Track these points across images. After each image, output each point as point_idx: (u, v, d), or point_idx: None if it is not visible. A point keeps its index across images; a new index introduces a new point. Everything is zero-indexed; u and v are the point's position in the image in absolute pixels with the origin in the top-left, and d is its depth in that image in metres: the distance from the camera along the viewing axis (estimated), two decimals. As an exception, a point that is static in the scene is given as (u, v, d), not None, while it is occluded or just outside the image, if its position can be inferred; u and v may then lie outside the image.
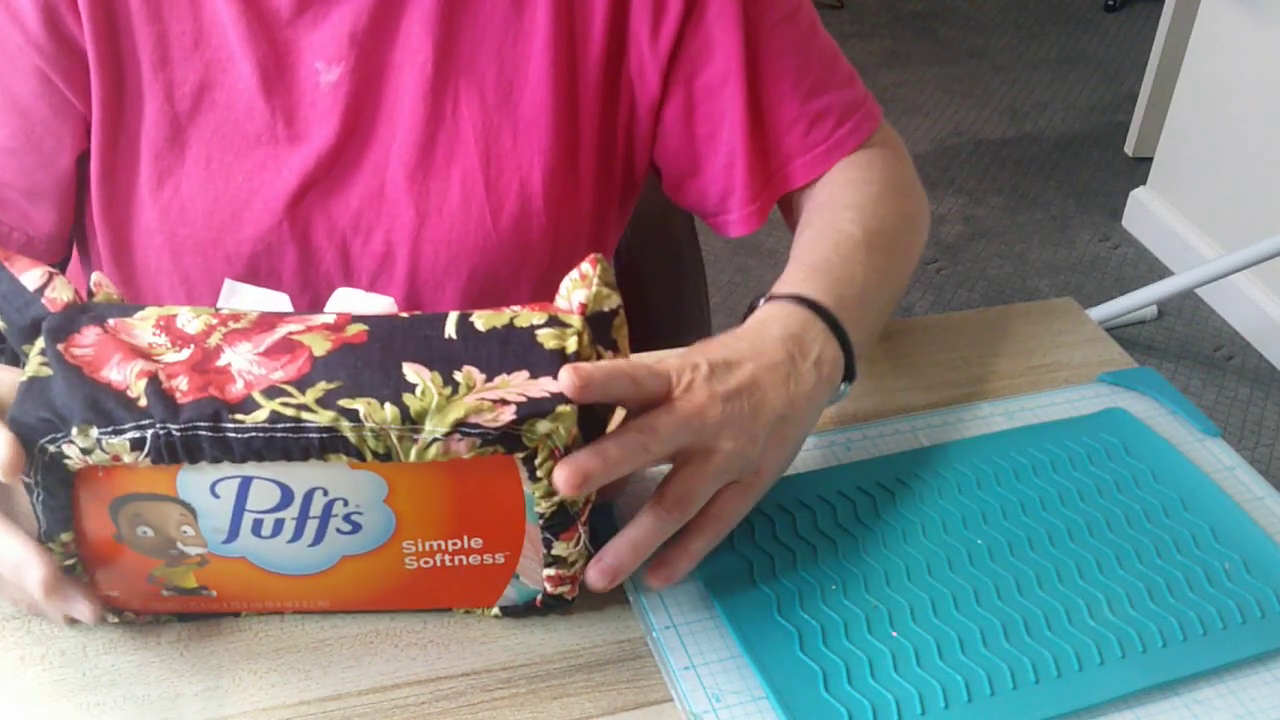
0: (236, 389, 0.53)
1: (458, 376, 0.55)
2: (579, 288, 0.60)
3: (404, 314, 0.58)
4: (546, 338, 0.57)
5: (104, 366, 0.54)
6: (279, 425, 0.52)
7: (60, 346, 0.55)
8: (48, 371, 0.54)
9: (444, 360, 0.55)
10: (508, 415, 0.53)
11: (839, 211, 0.78)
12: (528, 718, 0.58)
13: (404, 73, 0.78)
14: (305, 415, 0.52)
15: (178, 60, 0.76)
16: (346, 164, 0.79)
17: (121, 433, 0.52)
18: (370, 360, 0.55)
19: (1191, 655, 0.62)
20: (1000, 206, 2.62)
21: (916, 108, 3.00)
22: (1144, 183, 2.57)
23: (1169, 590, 0.65)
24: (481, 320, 0.57)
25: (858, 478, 0.71)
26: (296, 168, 0.78)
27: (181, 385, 0.53)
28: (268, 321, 0.57)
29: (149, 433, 0.52)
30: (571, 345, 0.57)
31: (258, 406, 0.53)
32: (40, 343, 0.56)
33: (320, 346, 0.55)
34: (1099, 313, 2.19)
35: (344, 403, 0.53)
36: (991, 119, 2.97)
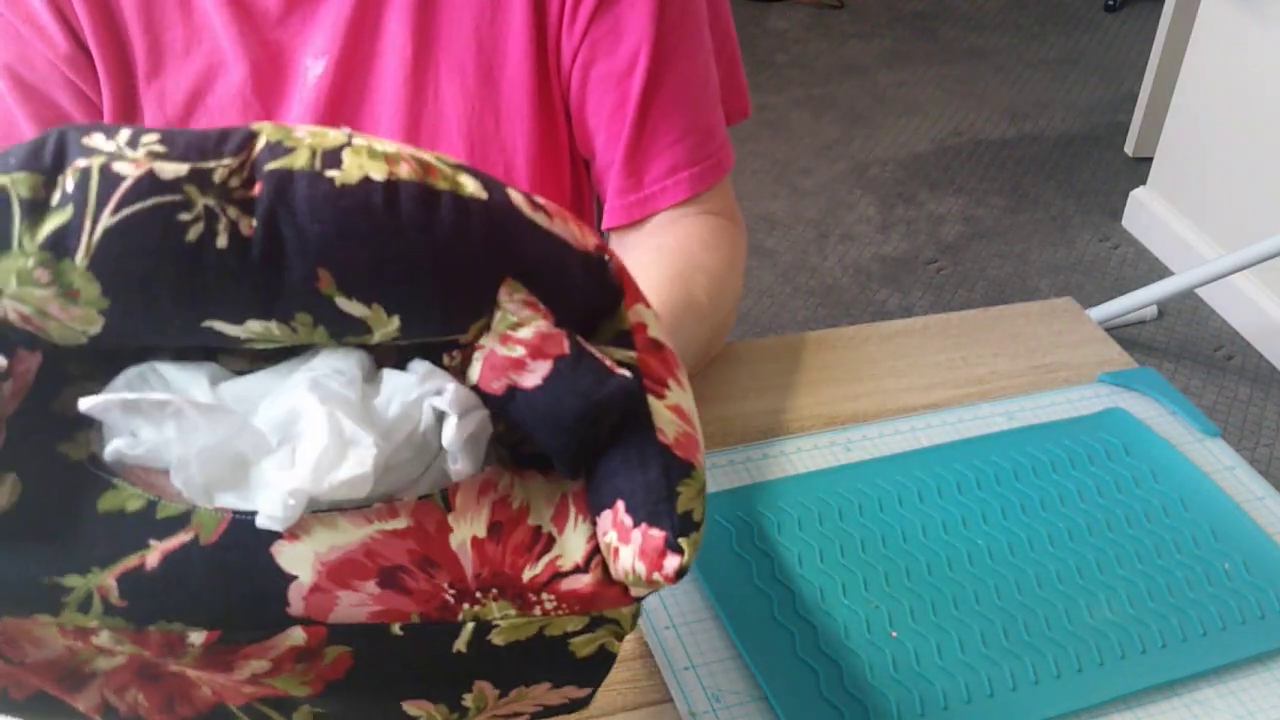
0: (205, 695, 0.44)
1: (467, 700, 0.46)
2: (636, 576, 0.43)
3: (399, 626, 0.42)
4: (582, 645, 0.45)
5: (25, 691, 0.44)
6: None
7: None
8: None
9: (449, 684, 0.45)
10: None
11: (693, 275, 0.75)
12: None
13: (386, 60, 0.78)
14: None
15: (169, 68, 0.77)
16: None
17: None
18: (362, 695, 0.45)
19: (1191, 655, 0.62)
20: (1000, 206, 2.62)
21: (916, 108, 3.00)
22: (1144, 183, 2.57)
23: (1169, 590, 0.65)
24: (501, 636, 0.43)
25: (857, 478, 0.71)
26: None
27: (140, 701, 0.44)
28: (221, 659, 0.42)
29: None
30: (614, 646, 0.45)
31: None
32: None
33: (299, 690, 0.44)
34: (1099, 313, 2.19)
35: None
36: (991, 119, 2.97)
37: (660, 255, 0.77)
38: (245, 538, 0.41)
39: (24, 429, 0.42)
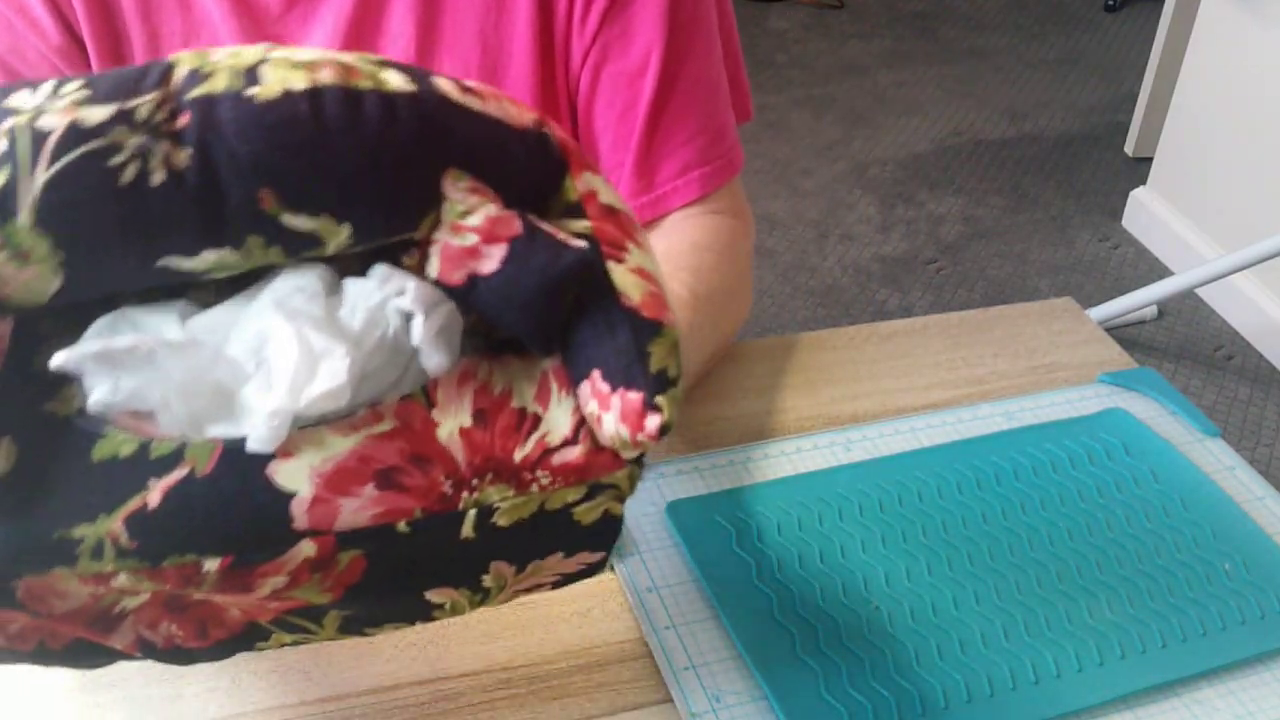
0: (234, 616, 0.46)
1: (486, 581, 0.47)
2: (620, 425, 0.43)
3: (405, 523, 0.43)
4: (585, 513, 0.46)
5: (59, 639, 0.45)
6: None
7: None
8: None
9: (465, 569, 0.46)
10: (542, 591, 0.49)
11: (675, 274, 0.75)
12: (528, 718, 0.58)
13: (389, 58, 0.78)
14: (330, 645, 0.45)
15: None
16: None
17: None
18: (383, 594, 0.46)
19: (1191, 655, 0.62)
20: (1000, 206, 2.62)
21: (916, 108, 3.00)
22: (1144, 183, 2.57)
23: (1169, 590, 0.65)
24: (505, 517, 0.45)
25: (858, 478, 0.71)
26: None
27: (174, 631, 0.46)
28: (239, 581, 0.43)
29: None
30: (617, 509, 0.47)
31: (274, 634, 0.46)
32: None
33: (320, 598, 0.45)
34: (1099, 313, 2.19)
35: (369, 630, 0.48)
36: (991, 119, 2.97)
37: (663, 261, 0.77)
38: (239, 463, 0.41)
39: (7, 393, 0.43)
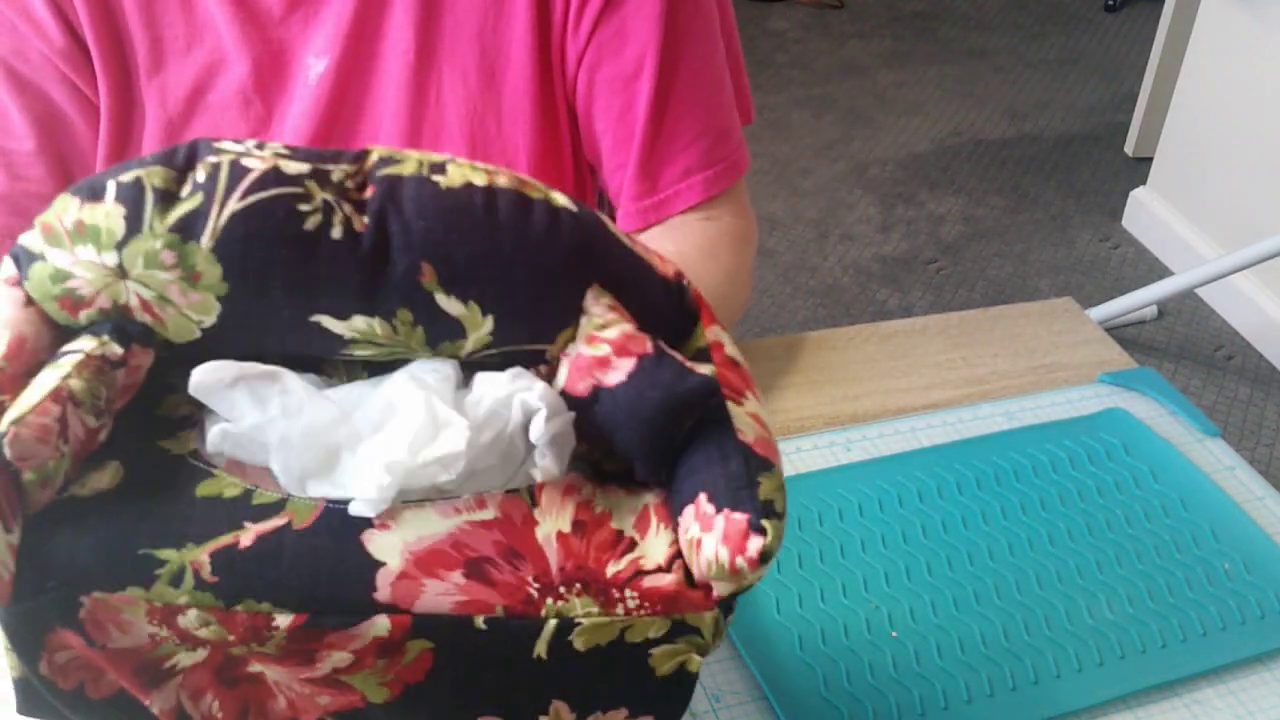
0: (280, 709, 0.44)
1: None
2: (719, 566, 0.42)
3: (483, 619, 0.42)
4: (662, 659, 0.44)
5: (104, 683, 0.44)
6: None
7: (42, 666, 0.43)
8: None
9: (526, 699, 0.44)
10: None
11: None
12: (528, 718, 0.58)
13: (388, 61, 0.78)
14: None
15: (171, 64, 0.77)
16: None
17: None
18: (437, 708, 0.44)
19: (1191, 655, 0.62)
20: (1000, 206, 2.62)
21: (916, 108, 3.00)
22: (1144, 183, 2.57)
23: (1169, 590, 0.65)
24: (583, 638, 0.43)
25: (858, 478, 0.71)
26: None
27: (214, 711, 0.44)
28: (304, 647, 0.42)
29: None
30: (695, 665, 0.45)
31: None
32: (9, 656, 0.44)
33: (376, 694, 0.43)
34: (1099, 313, 2.19)
35: None
36: (991, 119, 2.97)
37: None
38: (337, 525, 0.42)
39: (129, 426, 0.44)
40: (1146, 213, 2.52)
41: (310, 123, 0.78)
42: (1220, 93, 2.32)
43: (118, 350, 0.43)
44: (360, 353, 0.45)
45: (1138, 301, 2.17)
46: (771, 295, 2.32)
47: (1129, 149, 2.81)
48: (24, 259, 0.44)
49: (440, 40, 0.78)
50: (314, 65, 0.77)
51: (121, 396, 0.44)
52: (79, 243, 0.43)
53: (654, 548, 0.44)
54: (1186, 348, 2.24)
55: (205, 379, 0.43)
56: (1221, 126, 2.32)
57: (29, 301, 0.44)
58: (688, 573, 0.43)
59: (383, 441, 0.43)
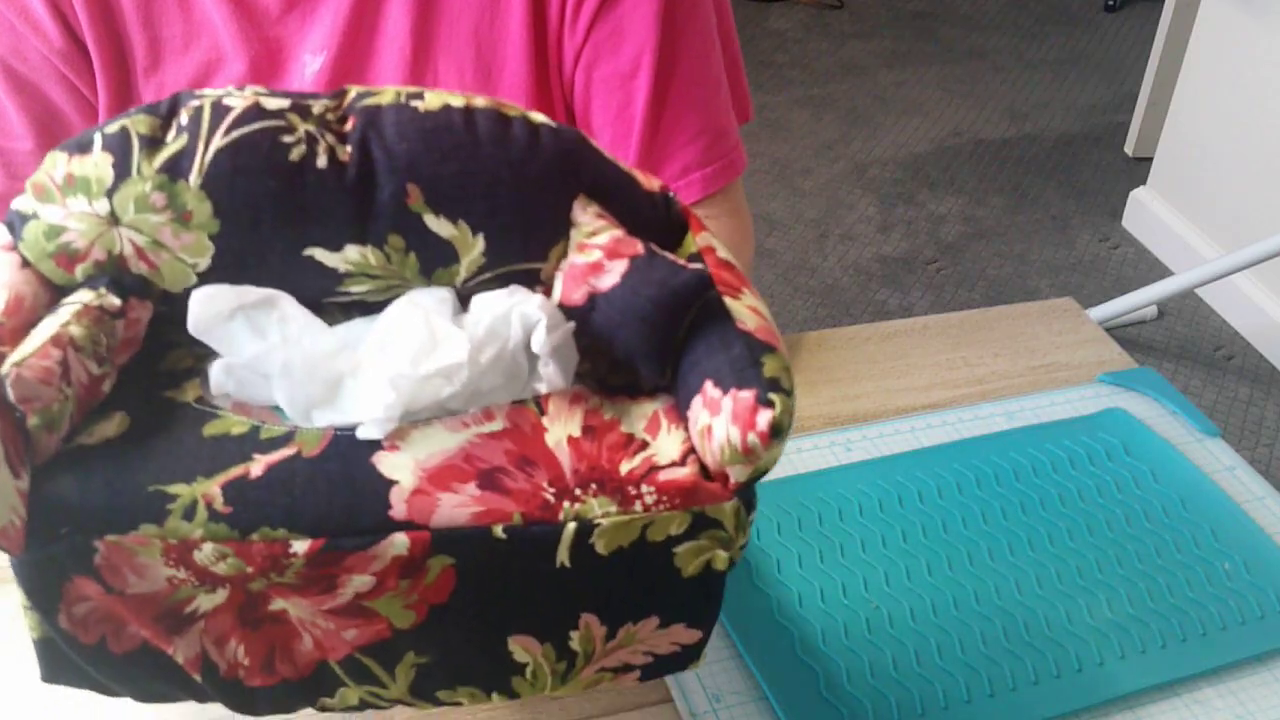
0: (307, 653, 0.44)
1: (573, 641, 0.44)
2: (731, 444, 0.42)
3: (501, 528, 0.42)
4: (686, 557, 0.44)
5: (126, 635, 0.44)
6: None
7: (61, 620, 0.43)
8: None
9: (556, 613, 0.44)
10: (629, 681, 0.47)
11: None
12: (528, 718, 0.58)
13: (384, 58, 0.78)
14: (401, 709, 0.45)
15: (168, 63, 0.77)
16: None
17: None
18: (465, 629, 0.44)
19: (1191, 655, 0.62)
20: (1000, 206, 2.62)
21: (916, 108, 3.00)
22: (1144, 183, 2.57)
23: (1169, 590, 0.65)
24: (604, 539, 0.42)
25: (858, 478, 0.71)
26: None
27: (241, 659, 0.44)
28: (324, 573, 0.42)
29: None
30: (721, 561, 0.44)
31: (342, 685, 0.45)
32: (24, 607, 0.43)
33: (402, 618, 0.43)
34: (1099, 313, 2.19)
35: (443, 694, 0.46)
36: (991, 119, 2.97)
37: None
38: (346, 450, 0.42)
39: (133, 380, 0.45)
40: (1146, 213, 2.52)
41: None
42: (1220, 93, 2.32)
43: (115, 302, 0.44)
44: (356, 288, 0.45)
45: (1138, 301, 2.17)
46: (771, 295, 2.32)
47: (1129, 149, 2.81)
48: (17, 222, 0.44)
49: (436, 37, 0.78)
50: (310, 63, 0.77)
51: (123, 350, 0.45)
52: (70, 195, 0.43)
53: (666, 445, 0.44)
54: (1186, 348, 2.24)
55: (203, 311, 0.43)
56: (1221, 126, 2.32)
57: (25, 263, 0.44)
58: (704, 468, 0.43)
59: (384, 360, 0.43)
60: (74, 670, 0.45)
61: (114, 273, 0.44)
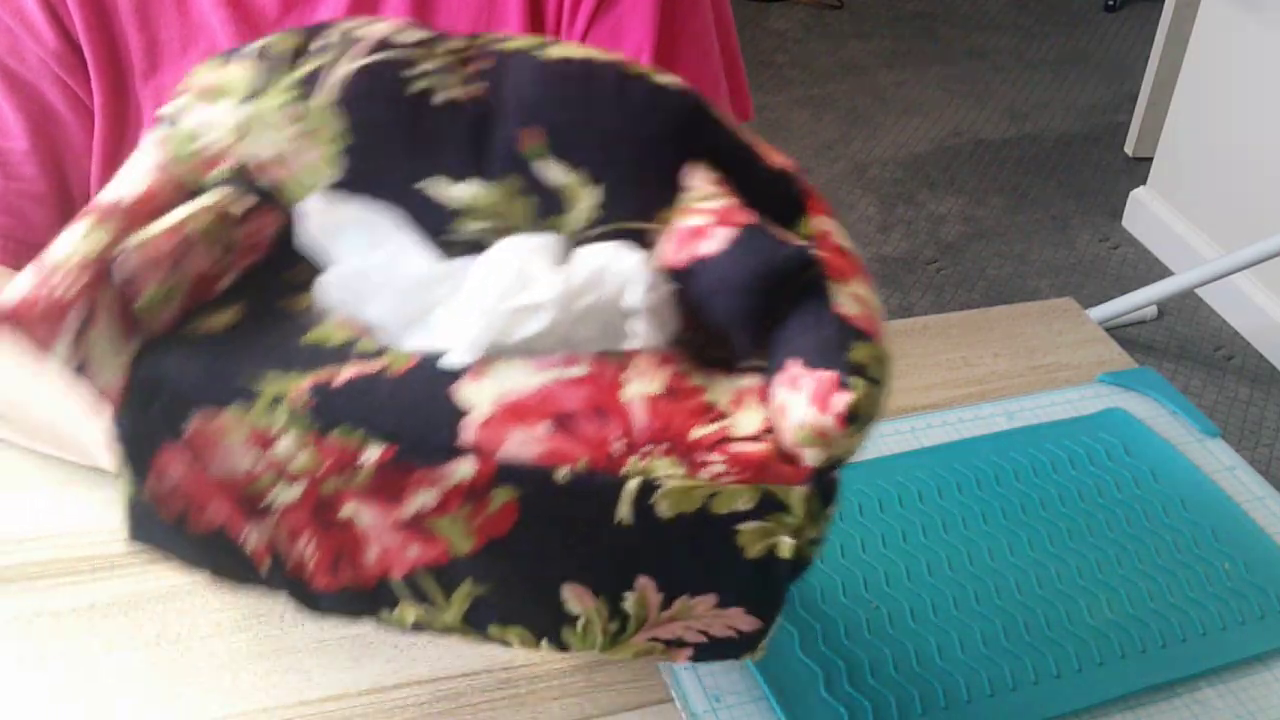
0: (371, 563, 0.45)
1: (627, 603, 0.44)
2: (809, 420, 0.41)
3: (564, 471, 0.42)
4: (750, 538, 0.42)
5: (206, 515, 0.45)
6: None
7: (149, 486, 0.45)
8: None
9: (613, 569, 0.43)
10: (682, 658, 0.46)
11: None
12: (527, 718, 0.58)
13: None
14: (453, 636, 0.46)
15: (166, 66, 0.76)
16: None
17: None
18: (521, 567, 0.44)
19: (1191, 655, 0.62)
20: (1000, 206, 2.62)
21: (916, 108, 3.00)
22: (1144, 183, 2.57)
23: (1169, 590, 0.65)
24: (668, 500, 0.41)
25: (858, 478, 0.71)
26: None
27: (309, 558, 0.45)
28: (392, 481, 0.43)
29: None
30: (786, 549, 0.43)
31: (401, 602, 0.46)
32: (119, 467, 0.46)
33: (462, 543, 0.43)
34: (1099, 313, 2.19)
35: (494, 630, 0.46)
36: (991, 119, 2.97)
37: None
38: (430, 374, 0.43)
39: (250, 285, 0.48)
40: (1146, 213, 2.52)
41: None
42: (1220, 93, 2.32)
43: (241, 206, 0.47)
44: (467, 227, 0.46)
45: (1138, 301, 2.18)
46: (771, 295, 2.32)
47: (1129, 149, 2.81)
48: (164, 124, 0.48)
49: None
50: None
51: (245, 255, 0.47)
52: (210, 101, 0.46)
53: (745, 420, 0.43)
54: (1186, 348, 2.24)
55: (318, 220, 0.46)
56: (1221, 126, 2.32)
57: (164, 164, 0.47)
58: (780, 446, 0.42)
59: (477, 293, 0.44)
60: (156, 532, 0.47)
61: (243, 180, 0.47)
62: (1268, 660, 0.62)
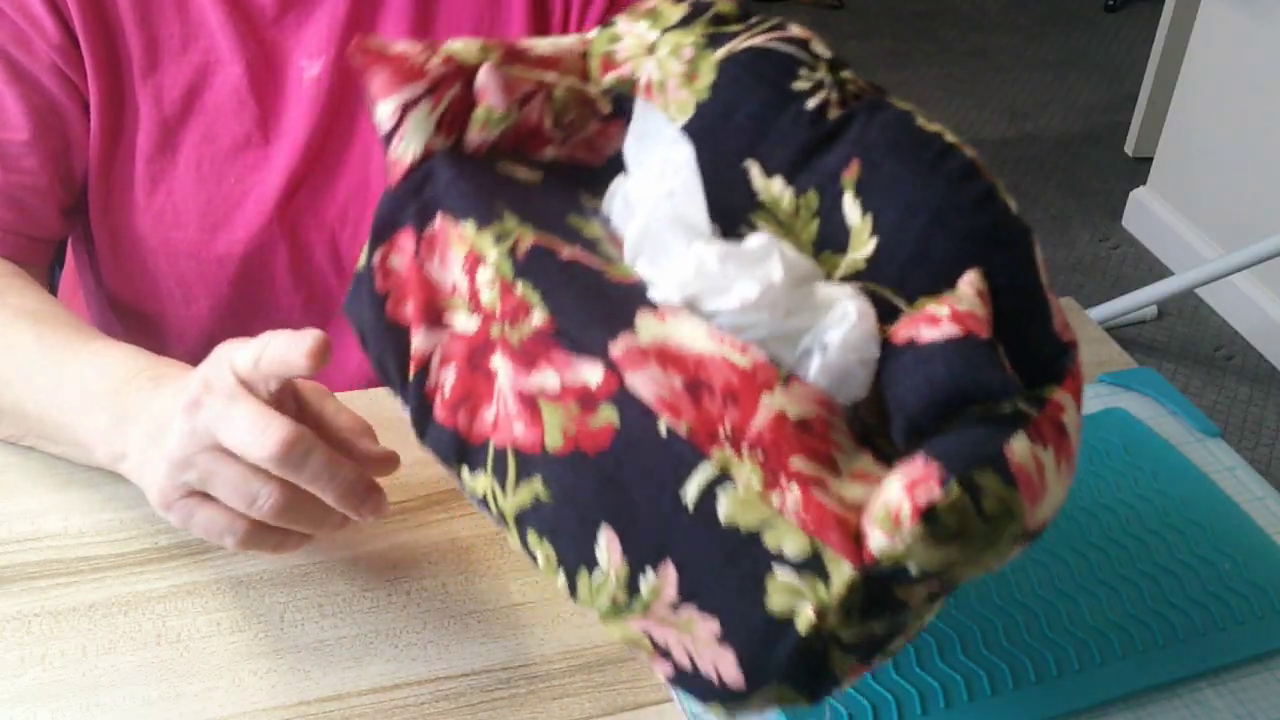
0: (485, 422, 0.48)
1: (643, 582, 0.44)
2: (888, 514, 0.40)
3: (666, 426, 0.43)
4: (778, 588, 0.41)
5: (402, 307, 0.51)
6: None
7: (377, 257, 0.51)
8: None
9: (653, 537, 0.43)
10: (661, 671, 0.46)
11: None
12: (527, 718, 0.58)
13: None
14: (501, 527, 0.49)
15: (166, 65, 0.77)
16: (331, 159, 0.79)
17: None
18: (586, 488, 0.45)
19: (1191, 655, 0.62)
20: (1000, 206, 2.62)
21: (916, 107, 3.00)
22: (1144, 183, 2.57)
23: (1169, 590, 0.65)
24: (729, 502, 0.42)
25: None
26: (283, 167, 0.78)
27: (445, 387, 0.49)
28: (537, 349, 0.45)
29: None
30: (803, 620, 0.41)
31: (482, 468, 0.48)
32: (367, 247, 0.52)
33: (554, 437, 0.45)
34: (1099, 313, 2.19)
35: (531, 539, 0.47)
36: (991, 119, 2.97)
37: None
38: (632, 292, 0.46)
39: (570, 174, 0.53)
40: (1146, 213, 2.52)
41: (307, 124, 0.78)
42: (1220, 93, 2.32)
43: (602, 105, 0.53)
44: (759, 224, 0.49)
45: (1138, 301, 2.17)
46: (771, 295, 2.32)
47: (1129, 149, 2.81)
48: (600, 28, 0.55)
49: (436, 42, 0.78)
50: (308, 68, 0.77)
51: (582, 148, 0.53)
52: (642, 20, 0.53)
53: (847, 487, 0.42)
54: (1186, 348, 2.24)
55: (638, 123, 0.49)
56: (1221, 126, 2.32)
57: (580, 45, 0.55)
58: (857, 528, 0.41)
59: (717, 253, 0.45)
60: (358, 312, 0.52)
61: (623, 89, 0.53)
62: (1267, 660, 0.62)
